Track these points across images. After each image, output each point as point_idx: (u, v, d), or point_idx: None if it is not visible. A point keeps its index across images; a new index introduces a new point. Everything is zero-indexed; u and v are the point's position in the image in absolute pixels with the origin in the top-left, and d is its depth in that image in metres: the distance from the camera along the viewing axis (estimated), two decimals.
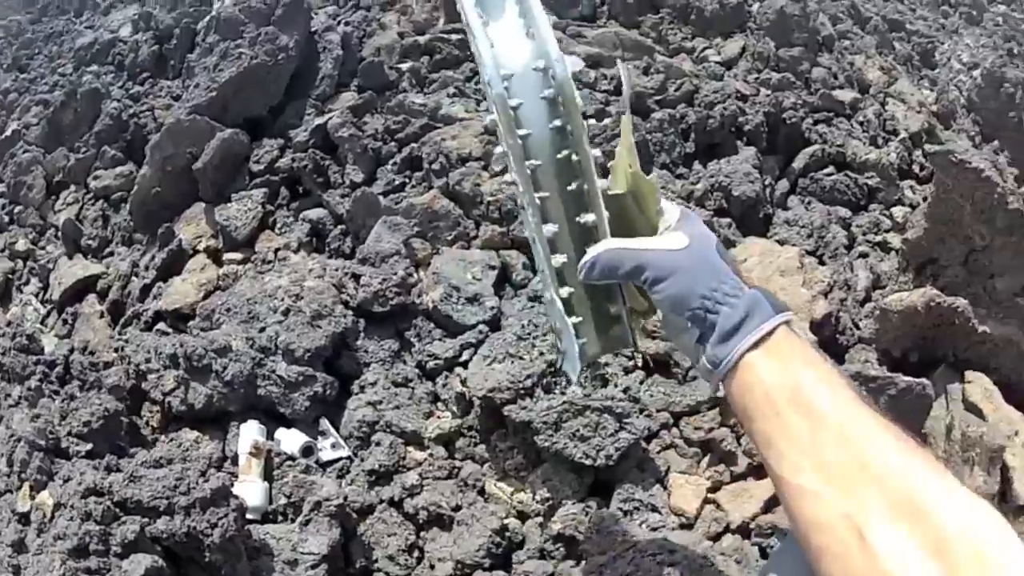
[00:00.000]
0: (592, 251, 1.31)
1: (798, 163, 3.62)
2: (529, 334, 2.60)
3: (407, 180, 3.32)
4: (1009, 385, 2.61)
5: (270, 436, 2.58)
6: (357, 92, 3.74)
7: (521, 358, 2.52)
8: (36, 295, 3.91)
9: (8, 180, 4.54)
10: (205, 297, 3.06)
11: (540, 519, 2.35)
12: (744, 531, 2.29)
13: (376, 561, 2.31)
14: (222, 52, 3.79)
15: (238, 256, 3.22)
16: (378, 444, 2.52)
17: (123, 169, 3.94)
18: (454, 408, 2.60)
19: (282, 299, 2.75)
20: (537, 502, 2.36)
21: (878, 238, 3.35)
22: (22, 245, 4.17)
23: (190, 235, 3.38)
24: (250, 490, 2.37)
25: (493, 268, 2.89)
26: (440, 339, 2.74)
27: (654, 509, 2.33)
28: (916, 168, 3.88)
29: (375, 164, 3.38)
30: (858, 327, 2.83)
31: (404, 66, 3.91)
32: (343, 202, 3.20)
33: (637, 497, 2.33)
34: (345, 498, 2.34)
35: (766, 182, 3.44)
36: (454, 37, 4.03)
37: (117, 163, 3.99)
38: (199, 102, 3.60)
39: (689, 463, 2.47)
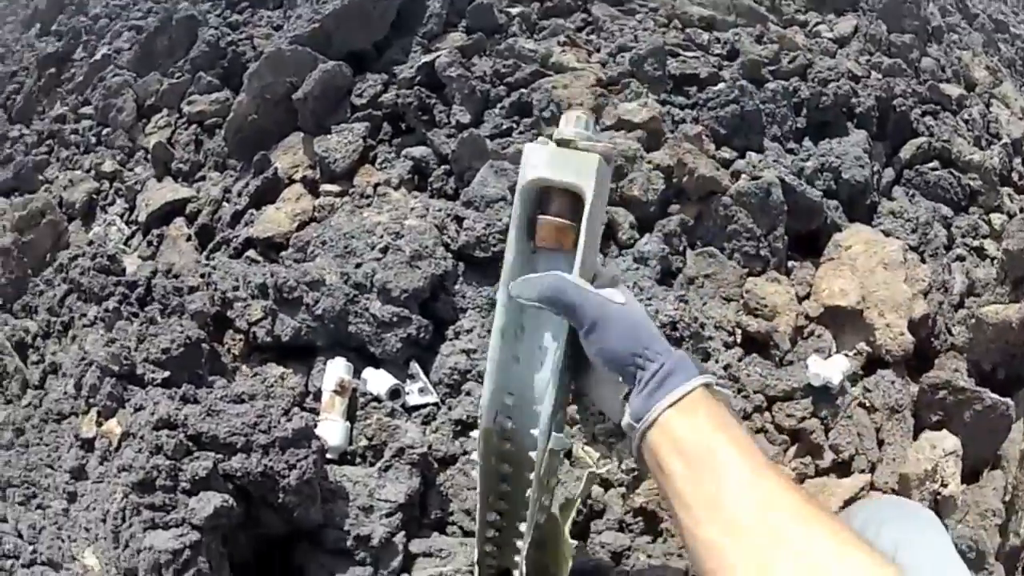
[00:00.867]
0: (541, 275, 1.32)
1: (905, 153, 3.55)
2: (635, 296, 2.50)
3: (515, 125, 3.22)
4: None
5: (357, 375, 2.50)
6: (465, 33, 3.65)
7: None
8: (121, 216, 3.88)
9: (97, 103, 4.52)
10: (299, 228, 2.99)
11: (623, 489, 2.26)
12: None
13: (452, 514, 2.23)
14: None
15: (335, 188, 3.14)
16: (468, 394, 2.44)
17: (219, 95, 3.88)
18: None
19: (381, 236, 2.67)
20: (623, 471, 2.26)
21: (975, 243, 3.30)
22: (109, 166, 4.14)
23: (286, 164, 3.31)
24: (331, 429, 2.30)
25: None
26: None
27: None
28: (1015, 176, 3.82)
29: (482, 106, 3.28)
30: (951, 333, 2.78)
31: (514, 10, 3.82)
32: (448, 142, 3.10)
33: None
34: (429, 447, 2.27)
35: (874, 168, 3.34)
36: None
37: (213, 89, 3.94)
38: (301, 32, 3.52)
39: (776, 451, 2.40)
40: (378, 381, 2.45)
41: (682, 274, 2.80)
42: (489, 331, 2.50)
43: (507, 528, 1.66)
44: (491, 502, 1.62)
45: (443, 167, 3.11)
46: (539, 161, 1.34)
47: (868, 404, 2.50)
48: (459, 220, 2.73)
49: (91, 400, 2.32)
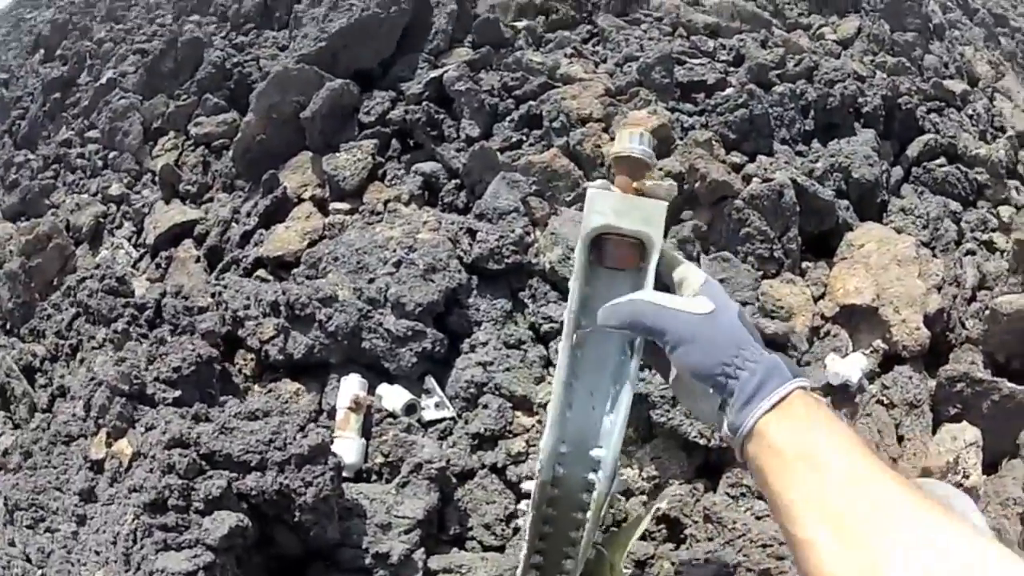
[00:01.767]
0: (622, 299, 1.27)
1: (912, 151, 3.58)
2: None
3: (525, 137, 3.22)
4: None
5: (372, 391, 2.46)
6: (472, 48, 3.65)
7: None
8: (129, 239, 3.88)
9: (103, 126, 4.54)
10: (310, 245, 2.97)
11: (644, 497, 2.24)
12: None
13: (471, 529, 2.19)
14: (332, 2, 3.73)
15: (345, 206, 3.13)
16: (485, 407, 2.40)
17: (226, 116, 3.90)
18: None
19: (394, 250, 2.65)
20: (643, 479, 2.24)
21: (984, 236, 3.30)
22: (116, 189, 4.15)
23: (295, 183, 3.31)
24: (347, 447, 2.26)
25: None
26: (555, 301, 2.61)
27: (762, 496, 2.21)
28: (1021, 169, 3.83)
29: (492, 119, 3.29)
30: (964, 326, 2.77)
31: (520, 24, 3.84)
32: (458, 156, 3.10)
33: (746, 483, 2.21)
34: (447, 461, 2.22)
35: (883, 167, 3.35)
36: None
37: (219, 111, 3.95)
38: (308, 51, 3.53)
39: None
40: (393, 397, 2.42)
41: None
42: (505, 344, 2.51)
43: (549, 568, 1.61)
44: (535, 544, 1.58)
45: (453, 181, 3.10)
46: (605, 208, 1.29)
47: (886, 401, 2.49)
48: (472, 233, 2.71)
49: (100, 421, 2.29)
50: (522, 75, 3.40)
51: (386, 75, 3.58)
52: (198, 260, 3.35)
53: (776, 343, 2.58)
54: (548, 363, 2.52)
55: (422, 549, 2.03)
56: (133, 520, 1.84)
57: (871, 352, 2.61)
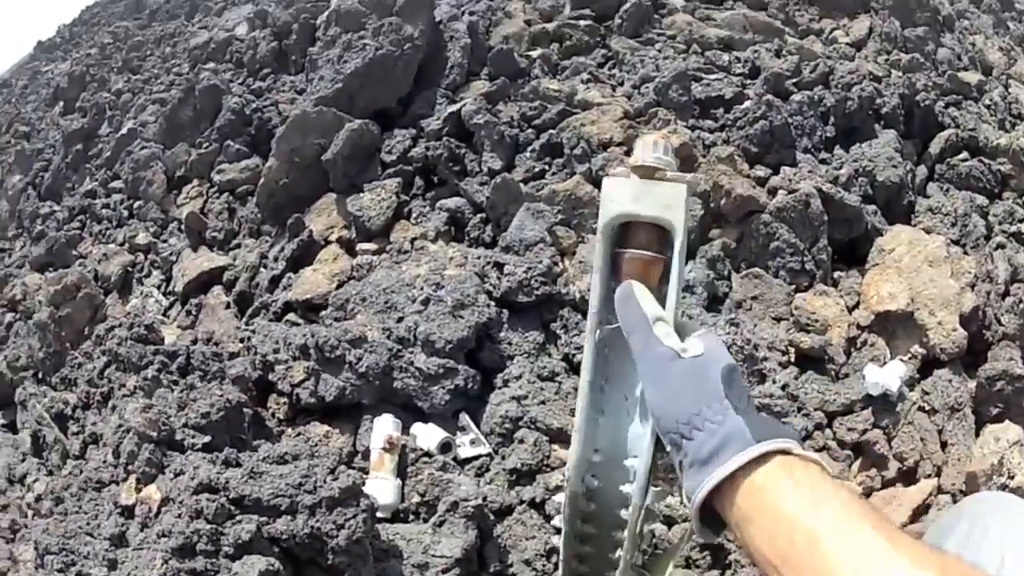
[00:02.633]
0: (632, 303, 1.15)
1: (934, 148, 3.54)
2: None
3: (547, 167, 3.23)
4: None
5: (405, 431, 2.46)
6: (489, 80, 3.67)
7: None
8: (158, 287, 3.90)
9: (126, 176, 4.58)
10: (338, 287, 2.98)
11: (687, 524, 2.22)
12: None
13: (511, 565, 2.17)
14: (345, 44, 3.75)
15: (372, 246, 3.15)
16: (521, 441, 2.39)
17: (248, 163, 3.93)
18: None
19: (421, 288, 2.66)
20: (685, 507, 2.23)
21: (1012, 228, 3.25)
22: (143, 239, 4.18)
23: (321, 226, 3.33)
24: (382, 487, 2.26)
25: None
26: None
27: None
28: None
29: (513, 151, 3.30)
30: (1000, 322, 2.74)
31: (534, 53, 3.86)
32: (481, 190, 3.11)
33: None
34: (484, 498, 2.21)
35: (907, 167, 3.32)
36: (582, 23, 4.00)
37: (241, 157, 3.98)
38: (325, 94, 3.56)
39: (841, 467, 2.36)
40: (428, 435, 2.42)
41: (729, 298, 2.78)
42: (539, 376, 2.50)
43: None
44: (573, 566, 1.48)
45: (479, 215, 3.12)
46: (622, 195, 1.21)
47: (928, 407, 2.48)
48: (499, 266, 2.71)
49: (130, 467, 2.29)
50: (540, 104, 3.42)
51: (405, 113, 3.61)
52: (228, 306, 3.36)
53: (813, 357, 2.58)
54: None
55: None
56: (162, 564, 1.84)
57: (910, 358, 2.60)
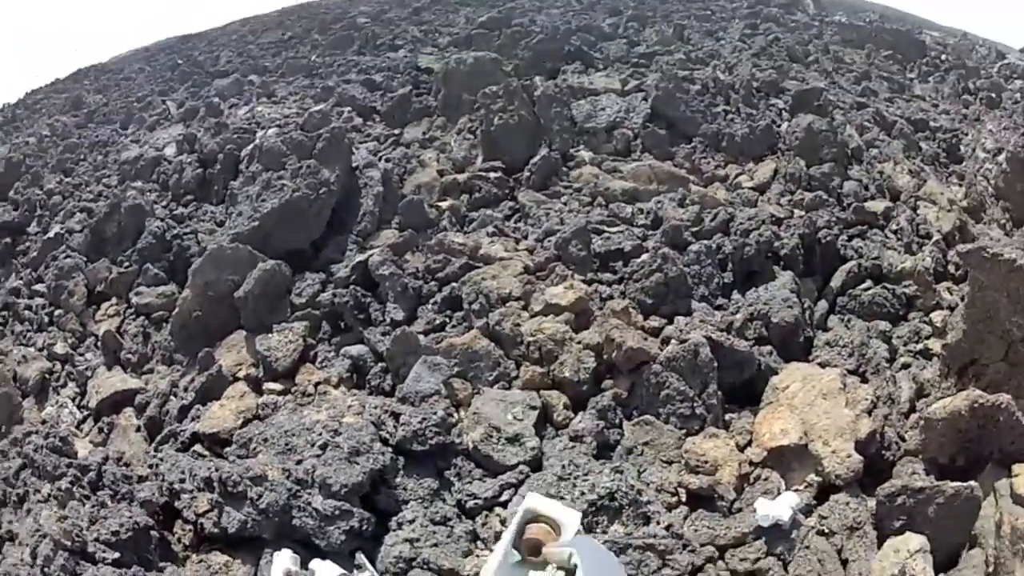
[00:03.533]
0: None
1: (835, 281, 3.72)
2: (570, 474, 2.66)
3: (447, 319, 3.41)
4: None
5: (304, 565, 2.59)
6: (398, 230, 3.87)
7: (562, 498, 2.58)
8: (73, 399, 3.99)
9: (49, 282, 4.68)
10: (243, 425, 3.13)
11: None
12: None
13: None
14: (265, 182, 3.94)
15: (278, 387, 3.30)
16: None
17: (165, 289, 4.07)
18: (493, 547, 2.60)
19: (320, 433, 2.82)
20: None
21: (919, 346, 3.40)
22: (61, 348, 4.28)
23: (230, 362, 3.48)
24: None
25: (534, 408, 2.97)
26: (480, 479, 2.79)
27: None
28: (952, 268, 3.95)
29: (416, 302, 3.48)
30: (903, 440, 2.88)
31: (444, 204, 4.06)
32: (383, 340, 3.29)
33: None
34: None
35: (805, 305, 3.51)
36: (492, 175, 4.18)
37: (159, 282, 4.13)
38: (241, 230, 3.72)
39: None
40: (325, 572, 2.54)
41: (620, 445, 2.94)
42: (431, 520, 2.67)
43: None
44: None
45: (379, 364, 3.27)
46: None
47: (826, 530, 2.59)
48: (396, 416, 2.88)
49: (46, 569, 2.44)
50: (444, 257, 3.61)
51: (317, 255, 3.80)
52: (139, 429, 3.47)
53: (703, 496, 2.74)
54: (475, 537, 2.68)
55: None
56: None
57: (805, 487, 2.74)
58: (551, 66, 5.81)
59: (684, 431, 2.98)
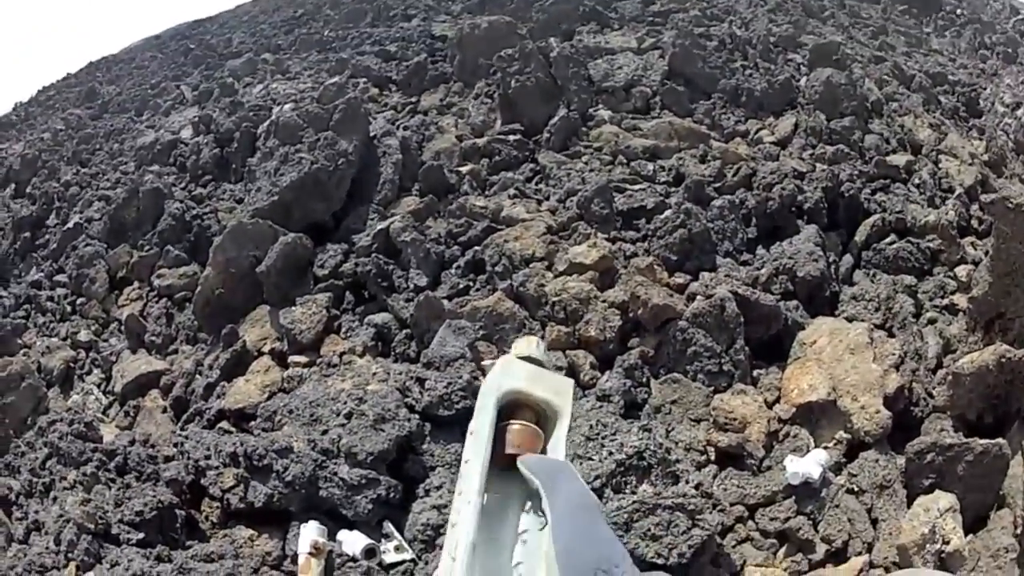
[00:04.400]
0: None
1: (860, 235, 3.67)
2: (598, 434, 2.61)
3: (471, 283, 3.37)
4: None
5: (331, 536, 2.56)
6: (419, 196, 3.82)
7: (590, 458, 2.53)
8: (98, 385, 3.99)
9: (70, 271, 4.67)
10: (268, 398, 3.10)
11: None
12: None
13: None
14: (282, 157, 3.89)
15: (303, 359, 3.26)
16: (443, 547, 2.49)
17: (186, 269, 4.05)
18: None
19: (344, 402, 2.78)
20: None
21: (945, 301, 3.35)
22: (85, 336, 4.27)
23: (254, 337, 3.45)
24: None
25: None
26: None
27: None
28: (975, 223, 3.91)
29: (439, 267, 3.44)
30: (931, 396, 2.83)
31: (464, 169, 4.01)
32: (407, 306, 3.25)
33: None
34: None
35: (830, 259, 3.45)
36: (512, 138, 4.13)
37: (180, 263, 4.10)
38: (261, 206, 3.69)
39: (765, 555, 2.46)
40: (353, 542, 2.52)
41: (648, 404, 2.89)
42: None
43: None
44: None
45: (404, 331, 3.23)
46: (518, 374, 1.36)
47: (856, 488, 2.56)
48: (421, 382, 2.83)
49: (70, 555, 2.44)
50: (466, 221, 3.56)
51: (338, 227, 3.75)
52: (164, 410, 3.46)
53: (732, 454, 2.70)
54: None
55: None
56: None
57: (834, 444, 2.69)
58: (566, 27, 5.71)
59: (712, 388, 2.93)
